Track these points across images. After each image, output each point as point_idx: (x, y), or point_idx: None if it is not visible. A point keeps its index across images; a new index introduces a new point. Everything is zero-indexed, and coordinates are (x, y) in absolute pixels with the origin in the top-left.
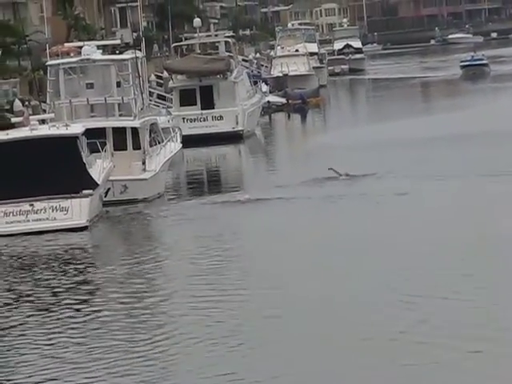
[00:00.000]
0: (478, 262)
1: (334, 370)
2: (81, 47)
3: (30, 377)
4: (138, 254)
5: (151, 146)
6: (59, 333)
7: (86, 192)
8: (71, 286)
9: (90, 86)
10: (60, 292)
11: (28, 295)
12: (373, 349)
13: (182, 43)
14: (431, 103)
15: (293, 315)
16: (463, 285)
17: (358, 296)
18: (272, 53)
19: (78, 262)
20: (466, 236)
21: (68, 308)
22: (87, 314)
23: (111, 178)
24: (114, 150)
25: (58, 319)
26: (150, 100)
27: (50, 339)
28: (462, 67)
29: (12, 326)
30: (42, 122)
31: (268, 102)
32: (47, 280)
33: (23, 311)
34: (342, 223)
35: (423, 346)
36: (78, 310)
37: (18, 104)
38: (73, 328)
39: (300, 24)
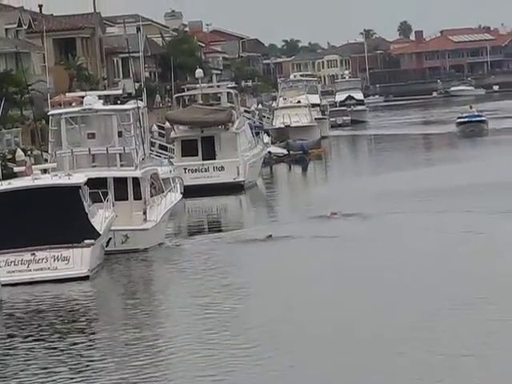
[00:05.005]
0: None
1: None
2: (83, 97)
3: None
4: (138, 305)
5: (152, 196)
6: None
7: (87, 242)
8: (70, 338)
9: (92, 135)
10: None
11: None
12: None
13: (184, 94)
14: (428, 156)
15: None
16: None
17: None
18: (274, 104)
19: (78, 313)
20: None
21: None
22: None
23: (113, 227)
24: (116, 199)
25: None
26: (152, 150)
27: None
28: (459, 124)
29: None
30: (44, 171)
31: (269, 152)
32: (46, 331)
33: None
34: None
35: None
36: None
37: (20, 153)
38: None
39: (302, 75)
